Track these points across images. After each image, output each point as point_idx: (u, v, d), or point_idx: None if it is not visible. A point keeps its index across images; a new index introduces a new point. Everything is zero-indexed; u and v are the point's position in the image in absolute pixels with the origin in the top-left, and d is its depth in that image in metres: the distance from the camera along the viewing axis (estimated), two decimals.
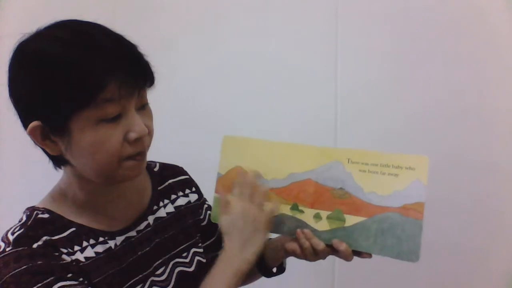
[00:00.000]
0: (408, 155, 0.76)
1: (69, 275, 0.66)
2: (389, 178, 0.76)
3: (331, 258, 0.82)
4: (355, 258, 0.79)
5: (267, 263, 0.90)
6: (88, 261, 0.71)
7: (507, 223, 1.39)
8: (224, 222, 0.76)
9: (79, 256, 0.70)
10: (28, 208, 0.73)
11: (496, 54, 1.34)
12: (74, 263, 0.68)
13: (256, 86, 1.38)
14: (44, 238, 0.68)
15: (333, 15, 1.37)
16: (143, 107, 0.71)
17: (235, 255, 0.72)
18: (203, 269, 0.86)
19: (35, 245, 0.66)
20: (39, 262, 0.65)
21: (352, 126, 1.40)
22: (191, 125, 1.36)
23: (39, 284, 0.63)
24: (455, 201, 1.34)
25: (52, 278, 0.64)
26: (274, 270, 0.92)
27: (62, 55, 0.63)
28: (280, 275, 0.94)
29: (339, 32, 1.37)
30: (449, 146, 1.33)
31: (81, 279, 0.68)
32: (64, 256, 0.68)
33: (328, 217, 0.79)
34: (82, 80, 0.62)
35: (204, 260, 0.88)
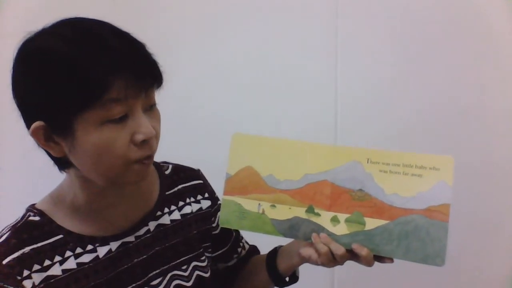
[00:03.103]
0: (432, 155, 0.73)
1: None
2: (412, 179, 0.73)
3: None
4: None
5: (280, 272, 0.85)
6: (65, 274, 0.69)
7: (506, 224, 1.39)
8: None
9: (55, 270, 0.68)
10: (28, 206, 0.72)
11: (497, 55, 1.35)
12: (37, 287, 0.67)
13: (255, 86, 1.35)
14: (23, 250, 0.67)
15: (333, 15, 1.36)
16: (150, 108, 0.68)
17: None
18: (203, 284, 0.82)
19: (5, 261, 0.66)
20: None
21: (352, 126, 1.39)
22: (190, 126, 1.33)
23: None
24: (455, 201, 1.33)
25: None
26: (287, 279, 0.87)
27: (66, 53, 0.61)
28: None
29: (339, 32, 1.36)
30: (449, 147, 1.33)
31: None
32: (25, 282, 0.66)
33: (347, 220, 0.76)
34: (86, 79, 0.60)
35: (206, 275, 0.83)
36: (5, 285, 0.64)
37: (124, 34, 0.66)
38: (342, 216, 0.76)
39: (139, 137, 0.65)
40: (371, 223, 0.74)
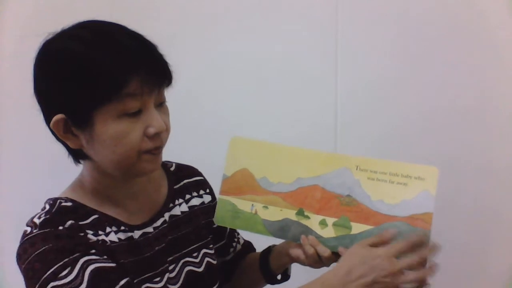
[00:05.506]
0: (417, 165, 0.76)
1: (93, 251, 0.68)
2: (398, 187, 0.76)
3: None
4: None
5: (272, 270, 0.89)
6: (114, 244, 0.73)
7: (506, 223, 1.39)
8: (354, 251, 0.72)
9: (105, 238, 0.72)
10: (50, 199, 0.75)
11: (497, 55, 1.34)
12: (100, 242, 0.71)
13: (255, 87, 1.36)
14: (69, 222, 0.70)
15: (333, 15, 1.36)
16: (161, 105, 0.74)
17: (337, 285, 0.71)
18: (212, 270, 0.87)
19: (61, 227, 0.68)
20: (64, 241, 0.67)
21: (352, 127, 1.39)
22: (190, 126, 1.35)
23: (66, 260, 0.65)
24: (454, 201, 1.35)
25: (77, 254, 0.66)
26: (279, 277, 0.91)
27: (86, 54, 0.67)
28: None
29: (339, 32, 1.37)
30: (449, 147, 1.34)
31: (105, 256, 0.69)
32: (90, 236, 0.70)
33: (334, 224, 0.79)
34: (107, 76, 0.66)
35: (214, 262, 0.88)
36: (71, 240, 0.67)
37: (139, 36, 0.72)
38: (330, 220, 0.79)
39: (152, 130, 0.71)
40: (357, 228, 0.77)
